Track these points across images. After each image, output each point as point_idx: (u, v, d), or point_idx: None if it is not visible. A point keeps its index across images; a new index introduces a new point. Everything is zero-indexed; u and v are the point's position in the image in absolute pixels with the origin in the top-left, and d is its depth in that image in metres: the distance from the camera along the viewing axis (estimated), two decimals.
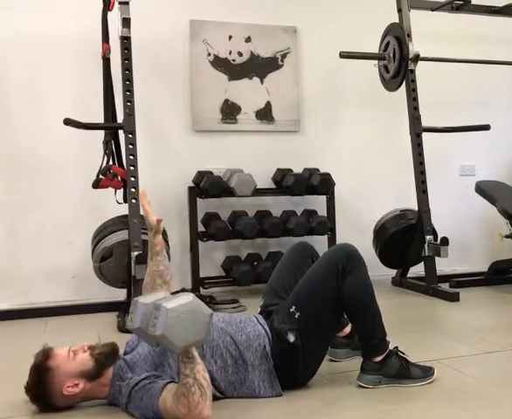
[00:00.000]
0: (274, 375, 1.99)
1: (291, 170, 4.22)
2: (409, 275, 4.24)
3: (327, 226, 4.16)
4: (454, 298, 3.63)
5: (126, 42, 3.40)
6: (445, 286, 3.87)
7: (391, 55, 4.03)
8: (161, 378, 1.84)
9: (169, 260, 3.07)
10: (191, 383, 1.69)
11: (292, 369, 2.02)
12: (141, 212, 2.97)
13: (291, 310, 2.03)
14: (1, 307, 3.57)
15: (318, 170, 4.27)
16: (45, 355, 1.86)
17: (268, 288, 2.31)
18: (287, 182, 4.12)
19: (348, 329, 2.38)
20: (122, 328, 3.05)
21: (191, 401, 1.68)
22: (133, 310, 1.75)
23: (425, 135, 4.04)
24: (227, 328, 1.99)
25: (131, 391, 1.83)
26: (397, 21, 4.06)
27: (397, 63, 3.99)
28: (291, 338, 1.99)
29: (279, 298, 2.20)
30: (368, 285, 2.07)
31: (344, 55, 3.95)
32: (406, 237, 4.00)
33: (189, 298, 1.70)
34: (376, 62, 4.19)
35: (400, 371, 2.07)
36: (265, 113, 4.36)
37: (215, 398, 1.94)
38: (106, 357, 1.90)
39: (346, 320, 2.30)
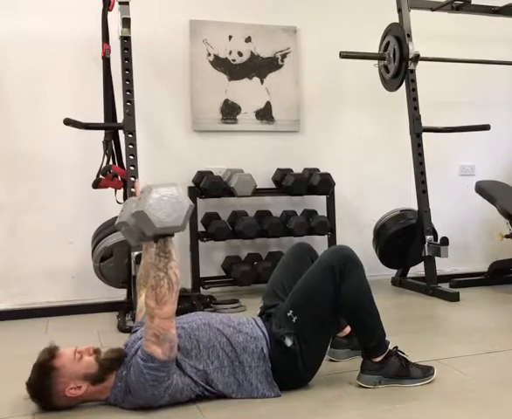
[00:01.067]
0: (271, 377, 1.99)
1: (291, 170, 4.22)
2: (409, 275, 4.24)
3: (327, 226, 4.16)
4: (454, 298, 3.63)
5: (126, 42, 3.40)
6: (445, 286, 3.87)
7: (391, 55, 4.03)
8: None
9: None
10: (161, 276, 1.78)
11: (291, 373, 2.02)
12: None
13: (288, 314, 2.02)
14: (1, 307, 3.57)
15: (318, 170, 4.27)
16: (51, 354, 1.85)
17: (268, 290, 2.31)
18: (287, 182, 4.12)
19: (348, 329, 2.38)
20: (122, 328, 3.06)
21: (158, 294, 1.77)
22: (123, 208, 1.83)
23: (425, 135, 4.04)
24: (224, 330, 1.99)
25: (127, 373, 1.86)
26: (397, 21, 4.06)
27: (397, 63, 3.99)
28: (288, 342, 1.99)
29: (279, 300, 2.20)
30: (365, 287, 2.06)
31: (344, 55, 3.95)
32: (406, 237, 4.00)
33: (174, 186, 1.78)
34: (376, 62, 4.20)
35: (400, 371, 2.07)
36: (265, 113, 4.36)
37: (213, 396, 1.95)
38: (111, 362, 1.89)
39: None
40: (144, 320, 2.14)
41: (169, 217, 1.71)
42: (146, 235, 1.78)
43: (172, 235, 1.82)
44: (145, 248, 2.22)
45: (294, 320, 2.01)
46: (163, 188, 1.75)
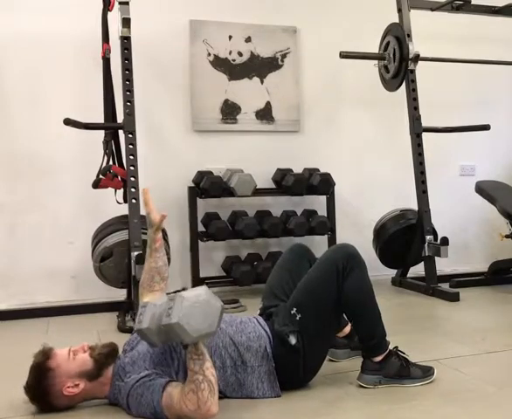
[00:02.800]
0: (274, 376, 1.99)
1: (291, 170, 4.22)
2: (409, 275, 4.24)
3: (327, 226, 4.16)
4: (454, 298, 3.63)
5: (126, 42, 3.40)
6: (445, 286, 3.87)
7: (391, 55, 4.03)
8: (160, 376, 1.84)
9: (169, 260, 3.08)
10: (201, 379, 1.71)
11: (293, 371, 2.02)
12: (142, 210, 2.98)
13: (292, 312, 2.02)
14: (1, 307, 3.57)
15: (318, 170, 4.27)
16: (45, 355, 1.86)
17: (267, 290, 2.31)
18: (287, 182, 4.12)
19: (347, 329, 2.38)
20: (122, 328, 3.06)
21: (200, 398, 1.69)
22: (142, 312, 1.78)
23: (425, 135, 4.04)
24: (227, 329, 1.99)
25: (130, 389, 1.83)
26: (397, 21, 4.06)
27: (397, 63, 3.99)
28: (292, 340, 1.99)
29: (278, 300, 2.20)
30: (368, 286, 2.07)
31: (344, 55, 3.95)
32: (406, 237, 4.00)
33: (203, 289, 1.75)
34: (376, 62, 4.20)
35: (400, 371, 2.07)
36: (265, 113, 4.36)
37: None
38: (105, 357, 1.90)
39: (345, 320, 2.30)
40: None
41: (204, 324, 1.68)
42: (175, 340, 1.75)
43: None
44: (149, 253, 2.22)
45: (297, 318, 2.01)
46: (193, 293, 1.73)
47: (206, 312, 1.69)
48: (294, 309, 2.02)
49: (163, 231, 3.23)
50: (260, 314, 2.20)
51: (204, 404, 1.69)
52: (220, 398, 1.95)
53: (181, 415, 1.74)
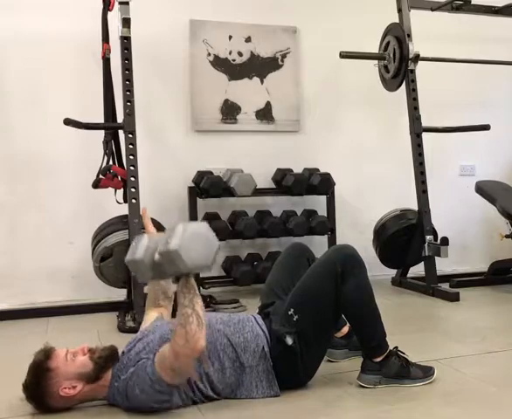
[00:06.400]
0: (273, 375, 1.99)
1: (291, 170, 4.22)
2: (409, 275, 4.24)
3: (327, 226, 4.16)
4: (454, 298, 3.63)
5: (126, 42, 3.40)
6: (445, 286, 3.87)
7: (391, 55, 4.03)
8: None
9: None
10: (190, 313, 1.71)
11: (291, 371, 2.02)
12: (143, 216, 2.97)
13: (289, 312, 2.02)
14: (1, 307, 3.57)
15: (318, 170, 4.27)
16: (46, 355, 1.86)
17: (266, 289, 2.31)
18: (287, 182, 4.12)
19: (346, 329, 2.38)
20: (122, 328, 3.06)
21: (189, 331, 1.70)
22: (135, 243, 1.78)
23: (425, 135, 4.04)
24: (225, 330, 1.99)
25: (128, 381, 1.84)
26: (397, 21, 4.07)
27: (398, 63, 3.99)
28: (289, 341, 1.98)
29: (277, 299, 2.20)
30: (367, 288, 2.06)
31: (344, 55, 3.95)
32: (406, 237, 4.00)
33: (203, 224, 1.75)
34: (376, 62, 4.20)
35: (400, 371, 2.07)
36: (265, 113, 4.36)
37: (211, 399, 1.95)
38: (105, 360, 1.89)
39: (343, 320, 2.30)
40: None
41: (201, 257, 1.68)
42: (168, 273, 1.75)
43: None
44: None
45: (294, 319, 2.00)
46: (193, 226, 1.73)
47: (204, 246, 1.69)
48: (292, 310, 2.02)
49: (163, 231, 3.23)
50: (259, 313, 2.19)
51: (192, 337, 1.69)
52: (220, 399, 1.96)
53: (173, 360, 1.74)
